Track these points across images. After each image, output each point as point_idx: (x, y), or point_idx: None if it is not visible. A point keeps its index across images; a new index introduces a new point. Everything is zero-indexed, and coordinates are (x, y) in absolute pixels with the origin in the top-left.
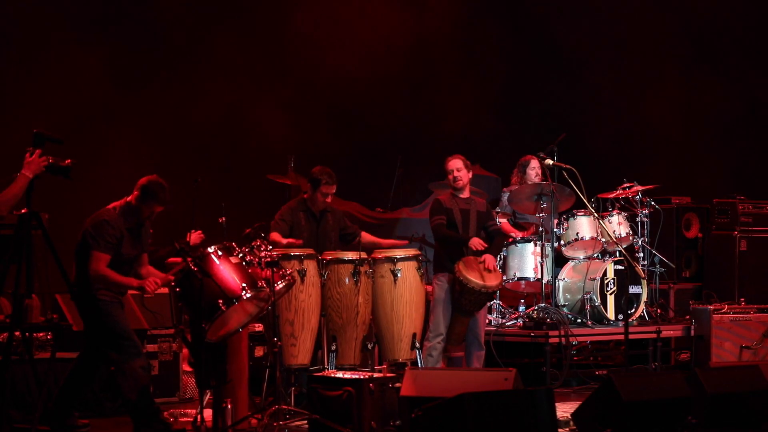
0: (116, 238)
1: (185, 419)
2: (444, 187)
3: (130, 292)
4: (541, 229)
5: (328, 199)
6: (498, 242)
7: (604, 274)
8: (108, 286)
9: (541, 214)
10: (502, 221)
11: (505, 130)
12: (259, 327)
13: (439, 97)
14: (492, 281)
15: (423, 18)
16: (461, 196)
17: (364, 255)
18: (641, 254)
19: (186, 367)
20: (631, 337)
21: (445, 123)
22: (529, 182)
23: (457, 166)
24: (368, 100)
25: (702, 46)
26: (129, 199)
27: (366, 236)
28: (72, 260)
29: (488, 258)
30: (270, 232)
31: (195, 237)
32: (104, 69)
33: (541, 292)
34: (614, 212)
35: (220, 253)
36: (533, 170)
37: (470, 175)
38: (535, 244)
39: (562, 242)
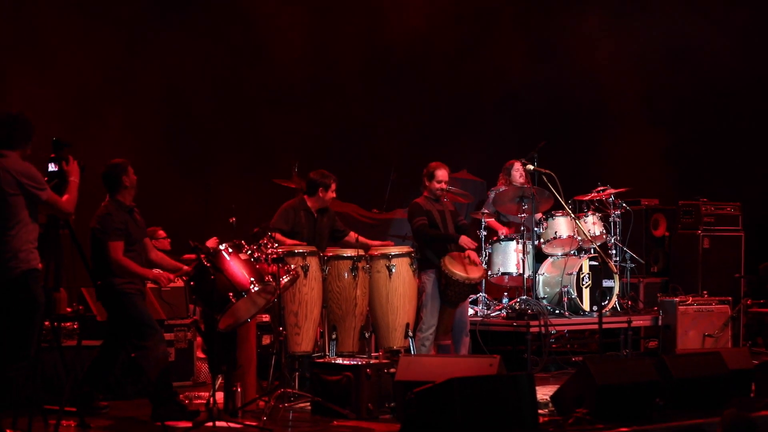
0: (123, 223)
1: (199, 401)
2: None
3: (149, 285)
4: (522, 228)
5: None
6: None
7: (580, 269)
8: (127, 275)
9: (522, 215)
10: (489, 220)
11: (489, 138)
12: (266, 317)
13: (430, 103)
14: (475, 273)
15: (419, 23)
16: (432, 198)
17: (361, 252)
18: (614, 251)
19: (200, 354)
20: (604, 326)
21: (434, 131)
22: (515, 183)
23: (446, 177)
24: (363, 112)
25: (670, 51)
26: (109, 198)
27: (353, 236)
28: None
29: (472, 253)
30: (274, 232)
31: (211, 242)
32: (107, 69)
33: (523, 286)
34: (589, 213)
35: (230, 250)
36: (517, 171)
37: None
38: (518, 242)
39: (542, 240)
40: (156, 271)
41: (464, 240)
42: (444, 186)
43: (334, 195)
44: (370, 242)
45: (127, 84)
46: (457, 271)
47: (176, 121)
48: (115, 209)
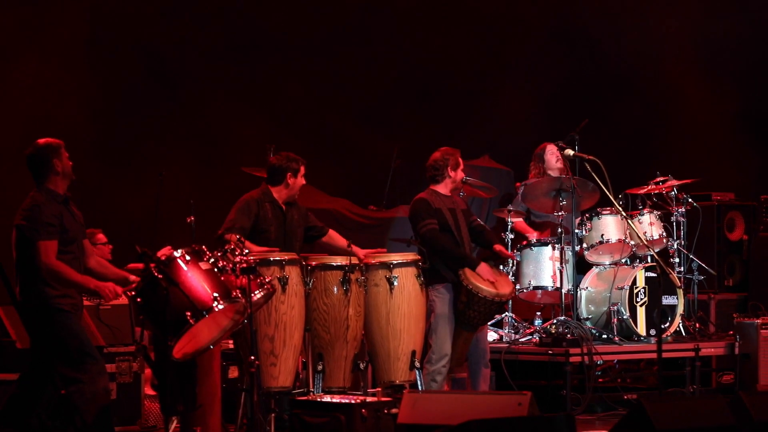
0: (56, 217)
1: None
2: None
3: (84, 302)
4: (560, 229)
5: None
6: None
7: (634, 282)
8: (61, 283)
9: (560, 213)
10: (516, 220)
11: (518, 116)
12: (232, 344)
13: (441, 77)
14: (505, 288)
15: None
16: (443, 193)
17: (355, 260)
18: (677, 259)
19: (149, 391)
20: (665, 355)
21: (447, 108)
22: (550, 170)
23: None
24: (357, 81)
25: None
26: (37, 187)
27: (335, 237)
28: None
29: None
30: (230, 233)
31: (164, 251)
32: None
33: (560, 304)
34: (645, 210)
35: (188, 257)
36: (552, 155)
37: None
38: (554, 248)
39: (584, 245)
40: (95, 281)
41: (484, 270)
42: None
43: (303, 181)
44: (360, 251)
45: (42, 34)
46: (483, 286)
47: (112, 88)
48: (45, 200)
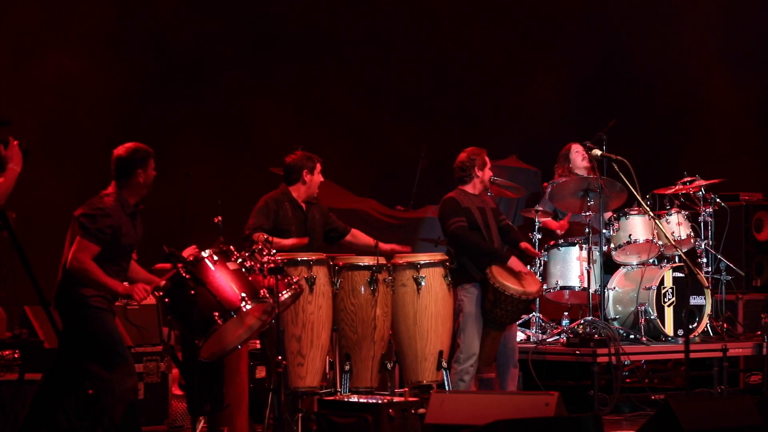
0: (112, 229)
1: None
2: None
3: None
4: (587, 229)
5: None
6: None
7: (662, 282)
8: (87, 282)
9: (587, 213)
10: (544, 220)
11: (545, 116)
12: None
13: (468, 77)
14: (532, 287)
15: None
16: (472, 192)
17: (382, 260)
18: (704, 259)
19: (176, 391)
20: (692, 356)
21: (474, 109)
22: (577, 170)
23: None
24: (384, 81)
25: None
26: (115, 188)
27: (359, 235)
28: (46, 267)
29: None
30: (256, 233)
31: (189, 251)
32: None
33: (587, 304)
34: (673, 210)
35: (215, 258)
36: (578, 154)
37: None
38: (581, 248)
39: (612, 245)
40: (124, 285)
41: (515, 263)
42: (492, 174)
43: (321, 178)
44: (380, 244)
45: (66, 29)
46: (510, 284)
47: (136, 85)
48: (112, 207)
